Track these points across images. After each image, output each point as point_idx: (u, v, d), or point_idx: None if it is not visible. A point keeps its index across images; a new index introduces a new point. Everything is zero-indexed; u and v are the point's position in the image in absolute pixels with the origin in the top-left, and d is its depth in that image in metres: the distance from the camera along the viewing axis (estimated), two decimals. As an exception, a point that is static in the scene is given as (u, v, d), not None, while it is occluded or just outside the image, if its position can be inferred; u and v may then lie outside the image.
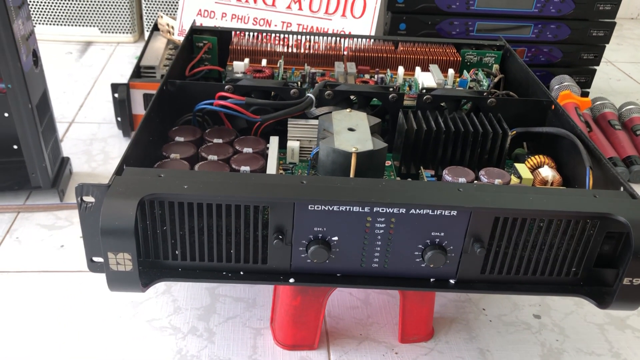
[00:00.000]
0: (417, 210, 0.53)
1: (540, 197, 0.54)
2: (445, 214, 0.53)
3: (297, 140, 0.71)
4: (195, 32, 0.89)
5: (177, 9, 1.43)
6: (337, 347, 0.70)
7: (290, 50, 0.87)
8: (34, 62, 0.84)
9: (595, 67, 1.26)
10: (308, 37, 0.89)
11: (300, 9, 1.08)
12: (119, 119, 1.06)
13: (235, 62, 0.81)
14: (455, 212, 0.53)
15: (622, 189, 0.57)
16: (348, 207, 0.53)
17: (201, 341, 0.69)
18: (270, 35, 0.89)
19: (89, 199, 0.52)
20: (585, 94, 1.28)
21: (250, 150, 0.67)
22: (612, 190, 0.58)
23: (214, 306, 0.74)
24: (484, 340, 0.72)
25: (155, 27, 1.24)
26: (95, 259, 0.55)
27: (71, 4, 1.44)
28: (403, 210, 0.53)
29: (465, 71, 0.86)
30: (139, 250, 0.53)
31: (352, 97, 0.74)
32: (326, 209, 0.53)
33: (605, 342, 0.73)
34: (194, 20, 1.06)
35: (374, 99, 0.75)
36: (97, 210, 0.51)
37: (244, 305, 0.75)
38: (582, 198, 0.54)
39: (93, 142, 1.07)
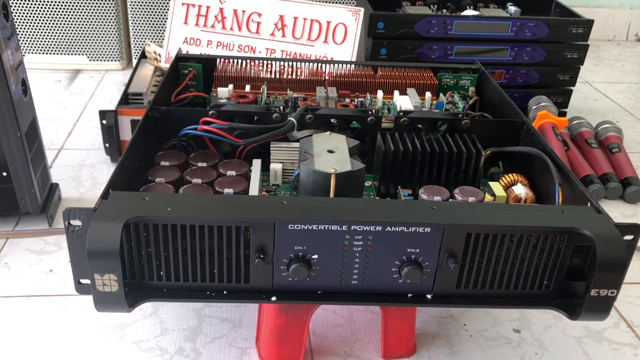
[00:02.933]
0: (393, 227, 0.55)
1: (510, 213, 0.56)
2: (420, 231, 0.55)
3: (280, 162, 0.73)
4: (181, 59, 0.92)
5: (164, 37, 1.46)
6: (322, 365, 0.71)
7: (273, 76, 0.90)
8: (23, 91, 0.86)
9: (572, 87, 1.30)
10: (291, 63, 0.92)
11: (283, 36, 1.11)
12: (107, 145, 1.07)
13: (219, 88, 0.84)
14: (429, 229, 0.55)
15: (589, 204, 0.60)
16: (327, 226, 0.55)
17: (188, 361, 0.71)
18: (254, 62, 0.92)
19: (76, 222, 0.54)
20: (562, 114, 1.31)
21: (233, 173, 0.69)
22: (579, 205, 0.60)
23: (200, 327, 0.76)
24: (465, 355, 0.74)
25: (143, 55, 1.27)
26: (82, 280, 0.56)
27: (60, 33, 1.46)
28: (379, 228, 0.55)
29: (441, 94, 0.89)
30: (124, 272, 0.55)
31: (332, 120, 0.77)
32: (306, 228, 0.55)
33: (583, 355, 0.75)
34: (180, 48, 1.09)
35: (354, 122, 0.77)
36: (83, 234, 0.53)
37: (229, 326, 0.76)
38: (550, 214, 0.57)
39: (82, 168, 1.09)
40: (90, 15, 1.45)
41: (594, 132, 1.24)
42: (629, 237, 0.55)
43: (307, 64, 0.93)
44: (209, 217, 0.53)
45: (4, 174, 0.90)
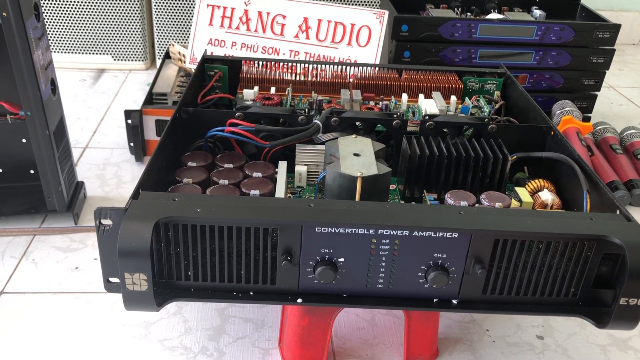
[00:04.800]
0: (420, 232, 0.55)
1: (538, 220, 0.56)
2: (447, 236, 0.55)
3: (305, 164, 0.73)
4: (207, 61, 0.92)
5: (188, 37, 1.48)
6: (344, 367, 0.71)
7: (298, 78, 0.90)
8: (52, 90, 0.87)
9: (596, 92, 1.28)
10: (315, 65, 0.93)
11: (307, 38, 1.11)
12: (132, 144, 1.09)
13: (245, 90, 0.84)
14: (457, 234, 0.55)
15: (618, 212, 0.59)
16: (354, 230, 0.55)
17: (211, 361, 0.71)
18: (279, 64, 0.93)
19: (107, 221, 0.54)
20: (586, 119, 1.30)
21: (259, 174, 0.70)
22: (608, 213, 0.60)
23: (223, 327, 0.76)
24: (487, 361, 0.74)
25: (167, 55, 1.28)
26: (111, 279, 0.57)
27: (85, 32, 1.48)
28: (406, 233, 0.55)
29: (467, 98, 0.88)
30: (153, 271, 0.55)
31: (357, 123, 0.77)
32: (333, 231, 0.55)
33: (607, 363, 0.75)
34: (206, 49, 1.10)
35: (379, 125, 0.77)
36: (114, 233, 0.54)
37: (253, 326, 0.76)
38: (579, 221, 0.56)
39: (106, 167, 1.10)
40: (115, 15, 1.46)
41: (619, 137, 1.22)
42: (659, 246, 0.55)
43: (331, 66, 0.93)
44: (237, 219, 0.54)
45: (32, 171, 0.91)
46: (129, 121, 1.06)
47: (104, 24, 1.47)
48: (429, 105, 0.83)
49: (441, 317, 0.78)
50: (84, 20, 1.47)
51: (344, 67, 0.93)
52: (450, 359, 0.73)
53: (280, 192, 0.66)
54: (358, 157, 0.66)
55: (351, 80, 0.91)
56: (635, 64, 1.80)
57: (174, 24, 1.49)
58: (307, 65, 0.92)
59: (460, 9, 1.32)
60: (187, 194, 0.60)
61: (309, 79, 0.90)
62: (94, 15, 1.46)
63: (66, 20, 1.47)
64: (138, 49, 1.51)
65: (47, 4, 1.45)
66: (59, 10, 1.46)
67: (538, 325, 0.80)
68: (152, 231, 0.51)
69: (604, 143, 1.19)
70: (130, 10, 1.46)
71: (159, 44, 1.52)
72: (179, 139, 0.73)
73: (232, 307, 0.79)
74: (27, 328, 0.74)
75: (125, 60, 1.52)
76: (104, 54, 1.51)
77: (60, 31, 1.48)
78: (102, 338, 0.74)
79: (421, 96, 0.87)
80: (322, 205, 0.56)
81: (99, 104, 1.35)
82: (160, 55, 1.52)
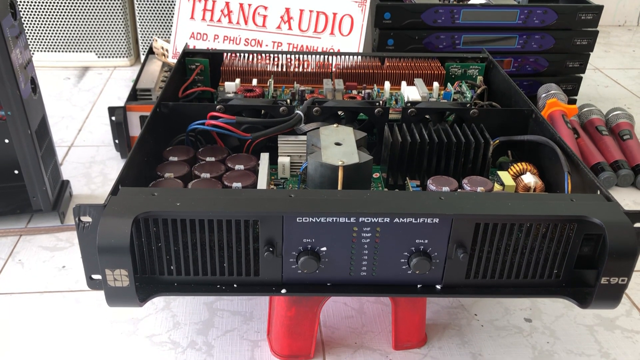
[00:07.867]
0: (401, 219, 0.55)
1: (518, 203, 0.56)
2: (428, 221, 0.55)
3: (288, 156, 0.73)
4: (188, 54, 0.92)
5: (171, 32, 1.47)
6: (333, 356, 0.72)
7: (280, 69, 0.90)
8: (32, 89, 0.87)
9: (581, 74, 1.29)
10: (297, 55, 0.92)
11: (290, 28, 1.11)
12: (117, 141, 1.08)
13: (226, 83, 0.84)
14: (437, 219, 0.55)
15: (598, 192, 0.59)
16: (335, 218, 0.55)
17: (200, 355, 0.71)
18: (261, 55, 0.92)
19: (87, 218, 0.54)
20: (572, 102, 1.30)
21: (242, 167, 0.69)
22: (589, 194, 0.60)
23: (212, 320, 0.76)
24: (476, 345, 0.74)
25: (151, 51, 1.27)
26: (94, 276, 0.57)
27: (68, 30, 1.47)
28: (387, 220, 0.55)
29: (449, 84, 0.88)
30: (135, 267, 0.55)
31: (339, 112, 0.77)
32: (314, 220, 0.55)
33: (595, 343, 0.75)
34: (187, 43, 1.09)
35: (361, 114, 0.77)
36: (94, 230, 0.54)
37: (241, 319, 0.76)
38: (559, 202, 0.56)
39: (92, 165, 1.09)
40: (98, 12, 1.45)
41: (605, 119, 1.22)
42: (639, 225, 0.55)
43: (313, 56, 0.92)
44: (217, 212, 0.54)
45: (16, 171, 0.91)
46: (113, 118, 1.06)
47: (87, 21, 1.46)
48: (411, 92, 0.83)
49: (429, 303, 0.78)
50: (66, 18, 1.46)
51: (326, 56, 0.92)
52: (439, 344, 0.74)
53: (262, 183, 0.66)
54: (339, 147, 0.66)
55: (334, 69, 0.91)
56: (620, 45, 1.80)
57: (157, 19, 1.48)
58: (289, 56, 0.92)
59: (443, -5, 1.31)
60: (166, 188, 0.59)
61: (292, 69, 0.90)
62: (77, 12, 1.45)
63: (49, 17, 1.46)
64: (122, 45, 1.50)
65: (28, 1, 1.43)
66: (41, 8, 1.45)
67: (526, 308, 0.80)
68: (132, 226, 0.51)
69: (590, 125, 1.20)
70: (112, 6, 1.45)
71: (143, 40, 1.51)
72: (160, 133, 0.73)
73: (220, 300, 0.79)
74: (15, 328, 0.74)
75: (109, 57, 1.51)
76: (87, 51, 1.50)
77: (43, 29, 1.47)
78: (90, 336, 0.73)
79: (404, 83, 0.87)
80: (303, 195, 0.56)
81: (83, 101, 1.34)
82: (144, 51, 1.51)
